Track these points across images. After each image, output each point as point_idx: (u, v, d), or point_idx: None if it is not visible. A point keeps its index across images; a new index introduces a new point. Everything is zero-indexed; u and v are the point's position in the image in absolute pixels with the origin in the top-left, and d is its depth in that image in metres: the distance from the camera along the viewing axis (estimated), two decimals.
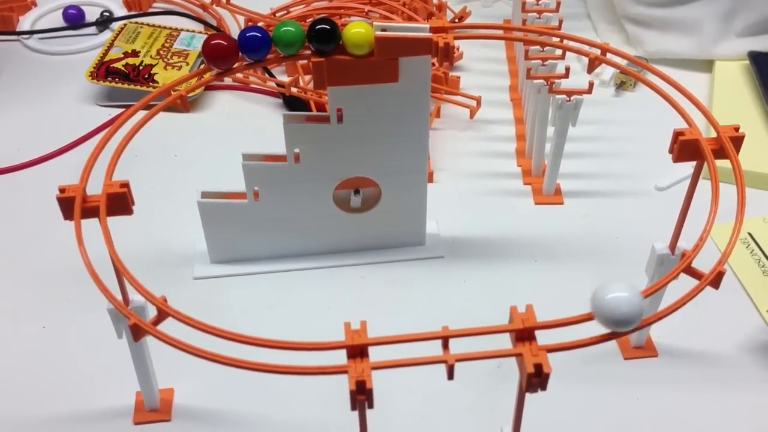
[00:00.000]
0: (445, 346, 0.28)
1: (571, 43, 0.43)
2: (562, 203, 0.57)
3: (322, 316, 0.50)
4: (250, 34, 0.41)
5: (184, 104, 0.40)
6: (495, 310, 0.52)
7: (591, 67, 0.42)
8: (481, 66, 0.71)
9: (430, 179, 0.60)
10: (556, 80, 0.52)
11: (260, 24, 0.71)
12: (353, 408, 0.27)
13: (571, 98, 0.51)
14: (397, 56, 0.43)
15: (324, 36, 0.40)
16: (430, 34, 0.42)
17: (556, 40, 0.46)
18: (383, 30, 0.42)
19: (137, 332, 0.29)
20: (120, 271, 0.32)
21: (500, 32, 0.45)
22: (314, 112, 0.58)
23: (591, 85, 0.50)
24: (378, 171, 0.50)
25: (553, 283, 0.51)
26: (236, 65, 0.41)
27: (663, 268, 0.41)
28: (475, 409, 0.44)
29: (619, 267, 0.52)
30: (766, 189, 0.57)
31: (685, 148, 0.36)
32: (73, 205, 0.34)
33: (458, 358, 0.27)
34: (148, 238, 0.55)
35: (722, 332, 0.48)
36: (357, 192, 0.51)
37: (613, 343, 0.47)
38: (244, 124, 0.65)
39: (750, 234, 0.53)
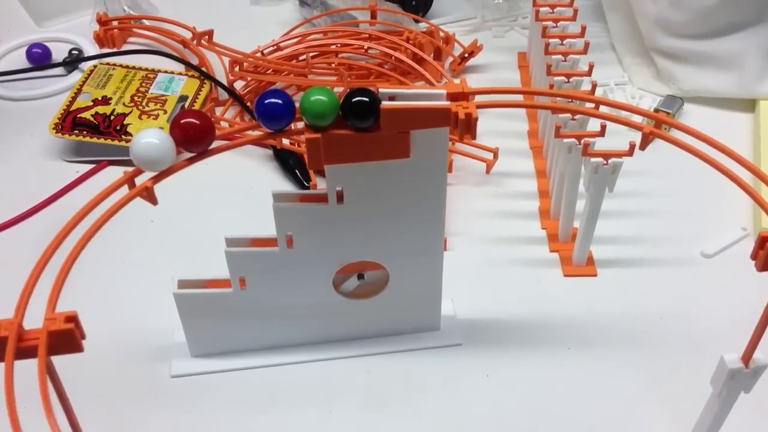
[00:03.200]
0: None
1: (617, 112, 0.36)
2: (595, 275, 0.51)
3: (323, 424, 0.43)
4: (270, 101, 0.34)
5: (150, 197, 0.33)
6: (523, 412, 0.44)
7: (645, 143, 0.35)
8: (496, 110, 0.64)
9: (444, 247, 0.53)
10: (590, 139, 0.46)
11: (278, 86, 0.64)
12: None
13: (609, 161, 0.44)
14: (408, 129, 0.36)
15: (362, 110, 0.34)
16: (448, 103, 0.35)
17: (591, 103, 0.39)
18: (391, 98, 0.35)
19: None
20: None
21: (530, 97, 0.39)
22: (309, 191, 0.52)
23: (632, 146, 0.44)
24: (385, 255, 0.43)
25: (589, 377, 0.45)
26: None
27: (735, 384, 0.34)
28: None
29: (667, 356, 0.46)
30: None
31: None
32: (3, 347, 0.27)
33: None
34: (119, 326, 0.48)
35: None
36: (361, 277, 0.44)
37: None
38: (230, 180, 0.58)
39: None
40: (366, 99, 0.34)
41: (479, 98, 0.36)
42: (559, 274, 0.51)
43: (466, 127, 0.35)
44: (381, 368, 0.46)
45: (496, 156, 0.57)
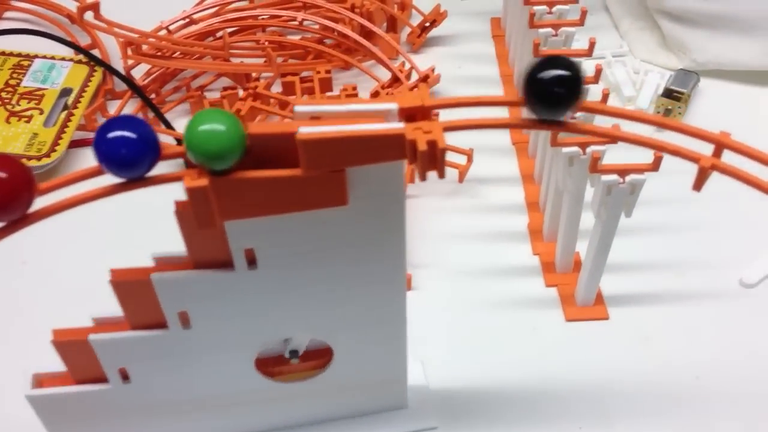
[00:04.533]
0: None
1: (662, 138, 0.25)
2: (606, 318, 0.39)
3: None
4: (115, 135, 0.22)
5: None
6: None
7: (701, 182, 0.23)
8: (467, 90, 0.52)
9: (408, 286, 0.41)
10: (599, 147, 0.34)
11: (138, 116, 0.51)
12: None
13: (626, 179, 0.33)
14: (343, 167, 0.24)
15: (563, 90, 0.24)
16: (401, 126, 0.23)
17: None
18: (314, 118, 0.23)
19: None
20: None
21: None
22: None
23: (658, 160, 0.32)
24: (323, 329, 0.31)
25: None
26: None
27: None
28: None
29: (711, 424, 0.35)
30: None
31: None
32: None
33: None
34: None
35: None
36: (294, 354, 0.32)
37: None
38: (126, 205, 0.45)
39: None
40: (568, 72, 0.23)
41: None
42: (560, 318, 0.40)
43: (430, 161, 0.23)
44: None
45: (470, 159, 0.45)
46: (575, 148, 0.34)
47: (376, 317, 0.31)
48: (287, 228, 0.26)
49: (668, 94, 0.48)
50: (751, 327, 0.39)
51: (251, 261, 0.27)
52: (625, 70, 0.52)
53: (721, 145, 0.23)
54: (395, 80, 0.48)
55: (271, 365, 0.33)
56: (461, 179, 0.45)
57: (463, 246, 0.43)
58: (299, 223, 0.26)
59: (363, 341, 0.32)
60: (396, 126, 0.23)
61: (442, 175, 0.23)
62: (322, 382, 0.33)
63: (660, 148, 0.24)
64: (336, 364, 0.33)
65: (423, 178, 0.23)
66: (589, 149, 0.34)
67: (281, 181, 0.23)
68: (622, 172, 0.33)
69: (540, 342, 0.39)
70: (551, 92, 0.23)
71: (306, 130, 0.22)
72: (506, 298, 0.41)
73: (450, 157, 0.46)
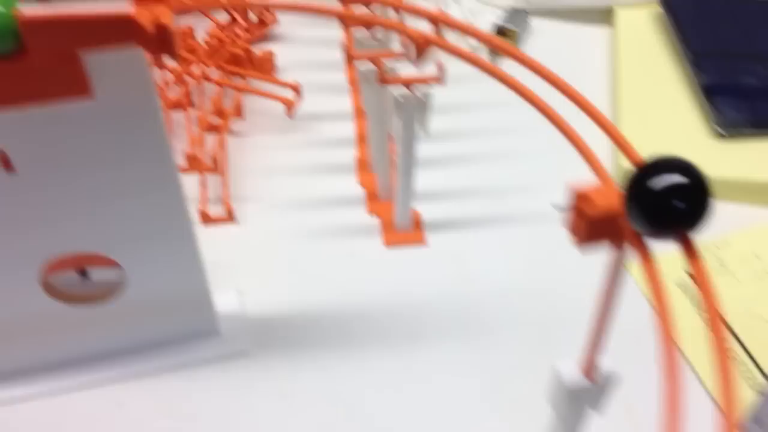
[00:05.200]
0: None
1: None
2: (424, 242, 0.40)
3: None
4: None
5: None
6: None
7: (420, 53, 0.24)
8: (307, 33, 0.52)
9: (230, 218, 0.41)
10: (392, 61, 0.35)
11: None
12: None
13: (416, 91, 0.33)
14: (73, 50, 0.23)
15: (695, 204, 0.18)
16: (129, 7, 0.23)
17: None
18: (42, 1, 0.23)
19: None
20: None
21: None
22: None
23: (441, 68, 0.33)
24: (105, 242, 0.30)
25: (421, 377, 0.35)
26: None
27: (576, 404, 0.25)
28: None
29: (516, 340, 0.36)
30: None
31: (597, 227, 0.19)
32: None
33: None
34: None
35: None
36: (84, 274, 0.32)
37: None
38: None
39: (691, 276, 0.38)
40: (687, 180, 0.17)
41: None
42: (379, 245, 0.40)
43: (161, 45, 0.23)
44: (137, 398, 0.34)
45: (298, 93, 0.45)
46: (369, 65, 0.35)
47: (159, 231, 0.30)
48: (37, 126, 0.25)
49: (499, 31, 0.50)
50: (561, 247, 0.40)
51: (5, 164, 0.26)
52: (461, 10, 0.53)
53: (437, 20, 0.24)
54: None
55: (61, 288, 0.32)
56: (290, 114, 0.45)
57: (290, 180, 0.43)
58: (48, 120, 0.25)
59: (151, 258, 0.31)
60: (123, 7, 0.22)
61: (175, 56, 0.23)
62: (121, 306, 0.33)
63: (391, 26, 0.25)
64: (129, 284, 0.32)
65: (158, 64, 0.23)
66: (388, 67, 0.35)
67: (8, 69, 0.23)
68: (408, 82, 0.33)
69: (358, 267, 0.39)
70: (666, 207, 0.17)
71: (29, 10, 0.22)
72: (329, 227, 0.41)
73: (279, 92, 0.46)
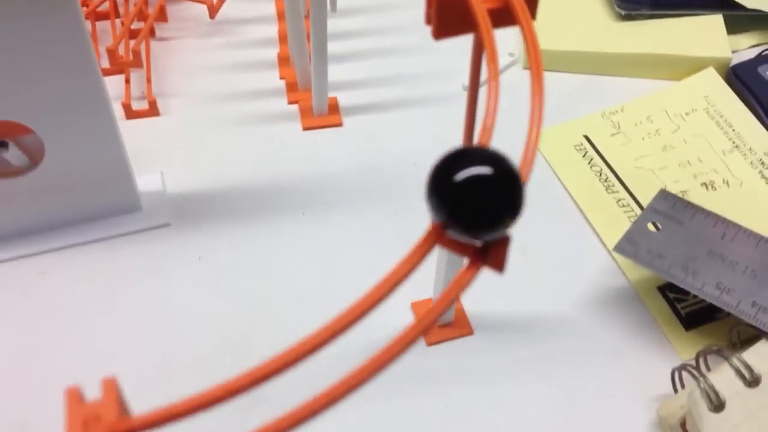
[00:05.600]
0: None
1: None
2: (340, 124, 0.43)
3: None
4: None
5: None
6: (247, 290, 0.35)
7: None
8: None
9: (154, 111, 0.43)
10: None
11: None
12: None
13: None
14: None
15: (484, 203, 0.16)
16: None
17: None
18: None
19: None
20: None
21: None
22: None
23: None
24: (24, 111, 0.32)
25: (330, 241, 0.37)
26: None
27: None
28: None
29: (421, 201, 0.38)
30: (601, 73, 0.45)
31: (447, 12, 0.22)
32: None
33: None
34: None
35: (561, 285, 0.35)
36: (4, 145, 0.34)
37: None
38: None
39: (587, 137, 0.41)
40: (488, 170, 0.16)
41: None
42: (298, 129, 0.43)
43: None
44: (60, 268, 0.36)
45: None
46: None
47: (74, 100, 0.32)
48: None
49: None
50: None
51: None
52: None
53: None
54: None
55: None
56: (212, 16, 0.47)
57: (214, 77, 0.45)
58: None
59: (70, 128, 0.33)
60: None
61: None
62: (41, 179, 0.35)
63: None
64: (48, 157, 0.34)
65: None
66: None
67: None
68: None
69: (276, 149, 0.41)
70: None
71: None
72: (251, 117, 0.43)
73: None
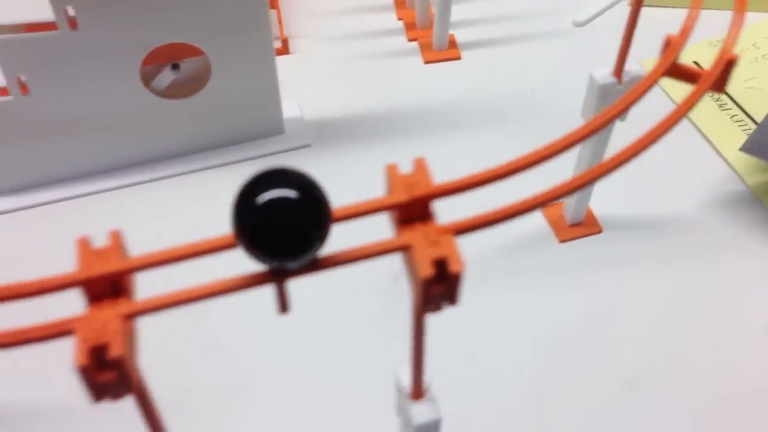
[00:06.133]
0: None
1: None
2: (459, 58, 0.46)
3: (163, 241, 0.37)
4: None
5: None
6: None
7: None
8: None
9: (285, 49, 0.47)
10: None
11: None
12: (94, 398, 0.16)
13: None
14: None
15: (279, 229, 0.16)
16: None
17: None
18: None
19: None
20: None
21: None
22: None
23: None
24: (199, 31, 0.37)
25: (458, 157, 0.41)
26: None
27: (608, 103, 0.31)
28: (366, 343, 0.33)
29: (542, 124, 0.42)
30: (707, 8, 0.47)
31: None
32: None
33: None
34: None
35: (679, 191, 0.39)
36: (176, 67, 0.38)
37: (543, 226, 0.38)
38: None
39: (696, 63, 0.44)
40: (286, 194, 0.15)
41: None
42: (419, 62, 0.46)
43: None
44: (217, 182, 0.41)
45: None
46: None
47: (243, 21, 0.37)
48: None
49: None
50: (579, 55, 0.46)
51: None
52: None
53: None
54: None
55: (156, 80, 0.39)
56: None
57: (335, 19, 0.50)
58: None
59: (235, 52, 0.38)
60: None
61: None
62: (203, 102, 0.39)
63: None
64: (214, 78, 0.38)
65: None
66: None
67: None
68: None
69: (400, 80, 0.45)
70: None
71: None
72: (372, 53, 0.47)
73: None
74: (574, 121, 0.42)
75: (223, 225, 0.43)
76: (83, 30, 0.35)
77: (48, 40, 0.35)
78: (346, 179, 0.40)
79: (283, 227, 0.15)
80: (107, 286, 0.16)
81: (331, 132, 0.43)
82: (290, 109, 0.43)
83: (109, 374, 0.15)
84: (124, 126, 0.39)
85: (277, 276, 0.16)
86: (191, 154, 0.41)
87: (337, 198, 0.43)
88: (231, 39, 0.37)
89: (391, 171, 0.17)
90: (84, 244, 0.16)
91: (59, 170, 0.40)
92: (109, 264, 0.16)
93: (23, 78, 0.36)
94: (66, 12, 0.34)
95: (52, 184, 0.40)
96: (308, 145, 0.42)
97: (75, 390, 0.20)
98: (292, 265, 0.15)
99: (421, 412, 0.21)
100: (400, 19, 0.49)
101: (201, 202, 0.40)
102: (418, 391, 0.21)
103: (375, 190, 0.39)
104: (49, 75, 0.36)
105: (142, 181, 0.40)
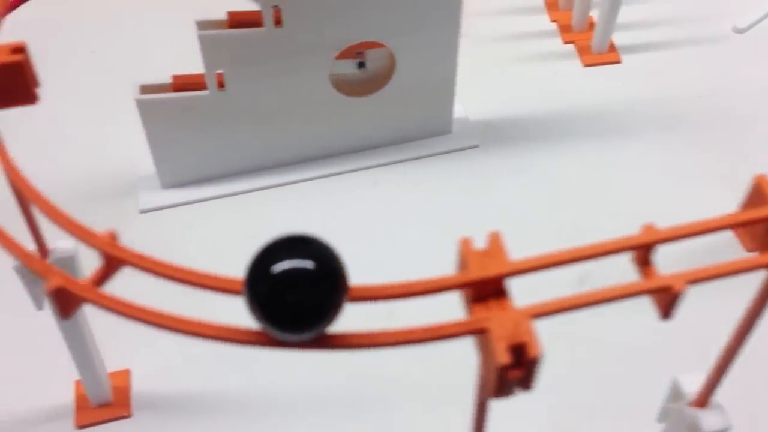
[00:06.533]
0: (645, 260, 0.17)
1: None
2: (619, 62, 0.46)
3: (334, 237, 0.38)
4: None
5: None
6: (559, 206, 0.39)
7: None
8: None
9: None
10: None
11: None
12: (498, 395, 0.16)
13: None
14: None
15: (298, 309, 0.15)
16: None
17: None
18: None
19: (67, 302, 0.17)
20: (27, 198, 0.20)
21: None
22: None
23: None
24: (392, 28, 0.37)
25: (627, 167, 0.41)
26: None
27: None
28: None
29: (715, 133, 0.42)
30: None
31: None
32: None
33: (692, 278, 0.16)
34: (70, 162, 0.42)
35: None
36: (362, 65, 0.39)
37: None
38: None
39: None
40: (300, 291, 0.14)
41: None
42: (578, 65, 0.47)
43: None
44: (390, 179, 0.41)
45: None
46: None
47: (434, 19, 0.37)
48: None
49: None
50: (741, 63, 0.46)
51: None
52: None
53: None
54: None
55: (344, 82, 0.39)
56: None
57: (487, 20, 0.50)
58: None
59: (421, 49, 0.38)
60: None
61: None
62: (382, 100, 0.40)
63: None
64: (396, 77, 0.39)
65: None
66: None
67: None
68: None
69: (561, 82, 0.46)
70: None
71: None
72: (529, 54, 0.47)
73: None
74: (747, 132, 0.43)
75: (400, 219, 0.42)
76: (287, 27, 0.35)
77: (252, 36, 0.35)
78: (517, 183, 0.41)
79: (295, 301, 0.14)
80: (492, 287, 0.17)
81: (497, 133, 0.43)
82: (456, 109, 0.44)
83: (518, 372, 0.16)
84: (304, 122, 0.40)
85: None
86: (360, 151, 0.42)
87: (508, 200, 0.43)
88: (421, 36, 0.38)
89: (465, 246, 0.16)
90: (467, 245, 0.17)
91: (236, 164, 0.41)
92: (500, 265, 0.16)
93: (222, 72, 0.37)
94: (274, 9, 0.35)
95: (227, 177, 0.41)
96: (476, 146, 0.43)
97: None
98: (304, 336, 0.15)
99: None
100: (553, 21, 0.49)
101: (374, 202, 0.40)
102: None
103: (546, 193, 0.40)
104: (247, 70, 0.37)
105: (314, 177, 0.41)
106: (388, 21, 0.37)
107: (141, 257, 0.17)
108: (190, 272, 0.16)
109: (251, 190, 0.41)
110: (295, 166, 0.41)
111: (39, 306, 0.27)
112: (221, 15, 0.35)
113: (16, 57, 0.21)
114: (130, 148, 0.41)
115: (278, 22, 0.35)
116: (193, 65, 0.36)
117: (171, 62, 0.38)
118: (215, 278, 0.16)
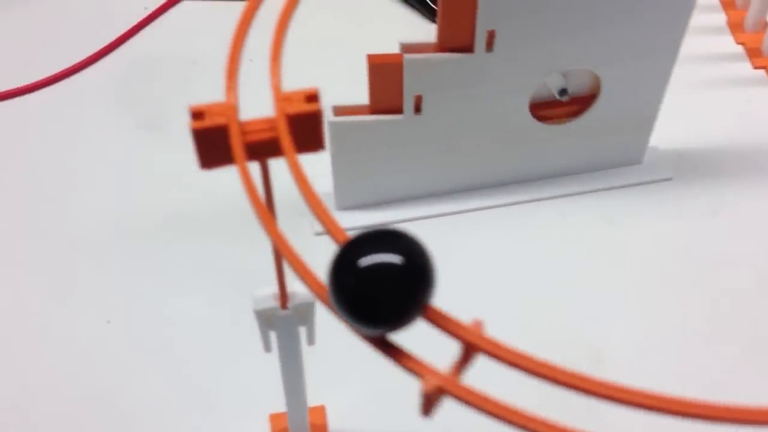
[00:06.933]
0: None
1: None
2: None
3: (511, 282, 0.36)
4: None
5: None
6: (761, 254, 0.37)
7: None
8: None
9: None
10: None
11: None
12: None
13: None
14: None
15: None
16: None
17: None
18: None
19: (431, 401, 0.14)
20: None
21: None
22: None
23: None
24: (603, 56, 0.35)
25: None
26: None
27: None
28: None
29: None
30: None
31: None
32: (225, 138, 0.20)
33: None
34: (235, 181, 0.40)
35: None
36: (563, 93, 0.36)
37: None
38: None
39: None
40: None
41: None
42: None
43: None
44: (578, 210, 0.39)
45: None
46: None
47: (652, 45, 0.34)
48: None
49: None
50: None
51: None
52: None
53: None
54: None
55: (540, 108, 0.37)
56: None
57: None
58: None
59: (633, 72, 0.36)
60: None
61: None
62: (578, 128, 0.38)
63: None
64: (600, 101, 0.36)
65: None
66: None
67: None
68: None
69: (756, 111, 0.43)
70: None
71: None
72: (717, 79, 0.44)
73: None
74: None
75: (590, 257, 0.40)
76: (497, 52, 0.33)
77: (461, 61, 0.33)
78: (717, 222, 0.38)
79: (379, 297, 0.14)
80: None
81: (692, 165, 0.40)
82: None
83: None
84: (494, 147, 0.38)
85: None
86: (548, 178, 0.40)
87: (704, 240, 0.38)
88: (635, 63, 0.35)
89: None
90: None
91: (414, 189, 0.39)
92: None
93: (421, 94, 0.35)
94: (487, 31, 0.33)
95: (400, 202, 0.39)
96: (669, 179, 0.40)
97: None
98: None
99: None
100: (740, 43, 0.46)
101: (563, 230, 0.38)
102: None
103: (745, 244, 0.37)
104: (447, 94, 0.35)
105: (496, 205, 0.39)
106: (603, 47, 0.34)
107: (498, 346, 0.15)
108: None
109: (437, 215, 0.39)
110: (476, 192, 0.39)
111: (267, 348, 0.26)
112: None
113: (314, 107, 0.20)
114: (311, 167, 0.39)
115: (490, 46, 0.33)
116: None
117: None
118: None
